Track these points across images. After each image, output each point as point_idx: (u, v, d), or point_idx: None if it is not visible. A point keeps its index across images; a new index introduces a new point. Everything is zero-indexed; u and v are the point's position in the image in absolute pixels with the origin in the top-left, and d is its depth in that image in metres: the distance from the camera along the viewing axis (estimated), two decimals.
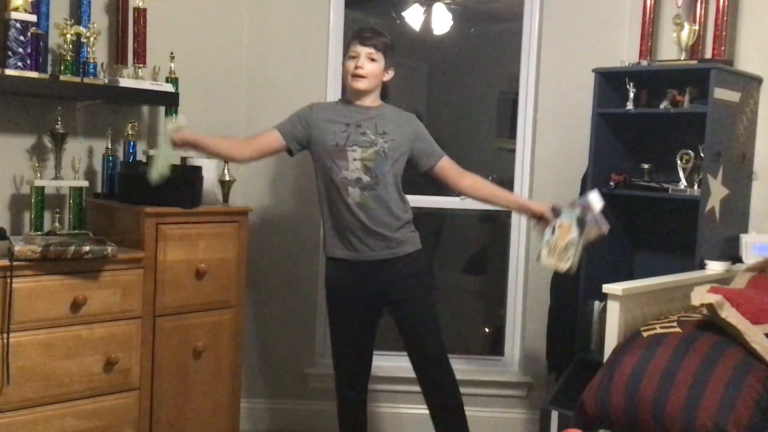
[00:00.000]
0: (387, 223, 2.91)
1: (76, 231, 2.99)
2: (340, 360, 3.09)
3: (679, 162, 3.27)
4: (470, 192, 3.07)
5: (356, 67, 2.92)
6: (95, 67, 3.02)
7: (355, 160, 2.88)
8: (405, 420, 3.79)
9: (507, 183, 4.04)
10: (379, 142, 2.91)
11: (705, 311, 2.42)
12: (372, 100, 3.00)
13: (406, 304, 2.97)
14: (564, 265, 2.75)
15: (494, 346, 4.20)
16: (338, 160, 2.89)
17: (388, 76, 3.02)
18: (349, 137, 2.90)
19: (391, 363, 3.84)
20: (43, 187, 2.95)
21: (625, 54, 3.57)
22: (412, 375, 3.89)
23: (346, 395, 3.12)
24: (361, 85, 2.94)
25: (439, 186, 4.77)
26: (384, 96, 3.07)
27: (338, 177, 2.88)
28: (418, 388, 3.81)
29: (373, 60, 2.94)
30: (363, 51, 2.93)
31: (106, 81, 3.05)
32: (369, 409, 3.25)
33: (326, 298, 3.07)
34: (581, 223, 2.75)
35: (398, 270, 2.94)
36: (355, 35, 2.99)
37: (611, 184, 3.38)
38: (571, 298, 3.46)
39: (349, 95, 3.03)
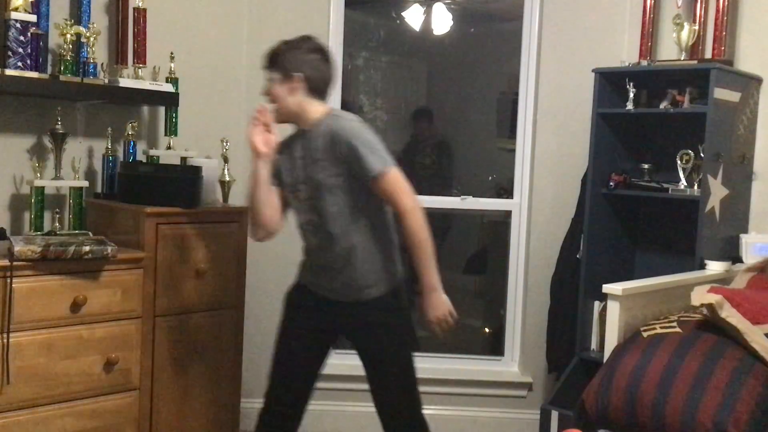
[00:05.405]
0: (347, 264, 2.53)
1: (76, 231, 2.99)
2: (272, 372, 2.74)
3: (679, 162, 3.27)
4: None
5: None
6: (95, 67, 3.02)
7: (303, 200, 2.56)
8: None
9: (507, 183, 4.05)
10: (314, 174, 2.50)
11: (705, 311, 2.42)
12: (305, 121, 2.55)
13: (369, 355, 2.64)
14: None
15: (494, 346, 4.20)
16: (293, 200, 2.60)
17: (297, 85, 2.50)
18: (295, 173, 2.57)
19: None
20: (43, 187, 2.95)
21: (625, 54, 3.57)
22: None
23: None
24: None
25: (440, 185, 4.80)
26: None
27: (298, 222, 2.62)
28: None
29: (272, 81, 2.54)
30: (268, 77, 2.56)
31: (106, 81, 3.05)
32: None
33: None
34: None
35: (360, 316, 2.59)
36: None
37: (611, 184, 3.38)
38: (571, 298, 3.47)
39: None
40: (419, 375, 3.89)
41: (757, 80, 3.29)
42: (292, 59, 2.51)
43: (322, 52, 2.58)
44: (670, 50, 3.43)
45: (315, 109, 2.54)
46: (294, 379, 2.73)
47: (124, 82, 3.08)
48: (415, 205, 2.48)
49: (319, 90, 2.55)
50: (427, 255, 2.51)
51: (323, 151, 2.48)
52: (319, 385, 3.82)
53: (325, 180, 2.49)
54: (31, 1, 2.83)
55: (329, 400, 3.84)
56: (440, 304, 2.53)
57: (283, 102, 2.53)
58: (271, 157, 2.55)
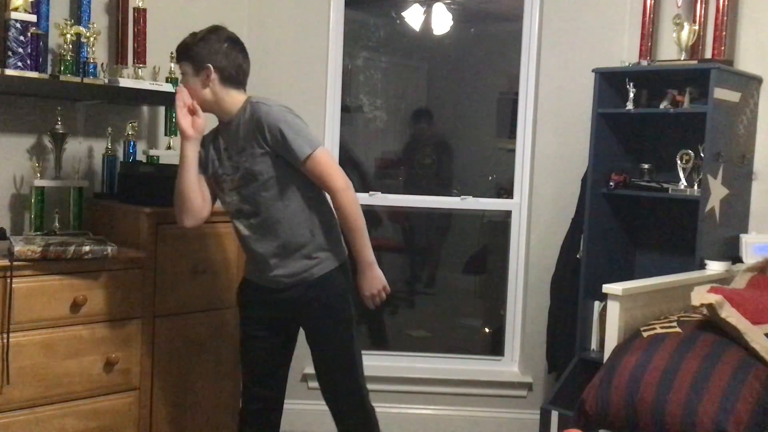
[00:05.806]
0: (284, 249, 2.53)
1: (76, 231, 2.99)
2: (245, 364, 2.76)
3: (679, 162, 3.27)
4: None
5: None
6: (95, 67, 3.02)
7: (231, 190, 2.56)
8: (412, 419, 3.79)
9: (507, 183, 4.05)
10: (241, 164, 2.51)
11: (705, 311, 2.42)
12: (225, 112, 2.55)
13: (311, 335, 2.64)
14: None
15: (494, 346, 4.20)
16: (219, 192, 2.62)
17: (209, 76, 2.50)
18: (221, 164, 2.58)
19: (398, 363, 3.85)
20: (43, 187, 2.95)
21: (625, 54, 3.57)
22: (414, 375, 3.90)
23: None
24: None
25: (440, 185, 4.80)
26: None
27: (229, 212, 2.64)
28: (418, 388, 3.82)
29: (185, 75, 2.56)
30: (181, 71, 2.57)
31: (106, 81, 3.05)
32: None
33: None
34: None
35: (305, 297, 2.56)
36: None
37: (611, 184, 3.37)
38: (571, 298, 3.47)
39: None
40: (422, 375, 3.92)
41: (757, 80, 3.29)
42: (201, 51, 2.51)
43: (232, 41, 2.57)
44: (670, 50, 3.43)
45: (233, 98, 2.54)
46: (264, 375, 2.74)
47: (124, 82, 3.07)
48: (345, 183, 2.49)
49: (233, 79, 2.54)
50: (361, 232, 2.52)
51: (247, 139, 2.48)
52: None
53: (252, 168, 2.48)
54: (31, 1, 2.83)
55: None
56: (375, 279, 2.55)
57: (198, 95, 2.52)
58: (199, 140, 2.55)
